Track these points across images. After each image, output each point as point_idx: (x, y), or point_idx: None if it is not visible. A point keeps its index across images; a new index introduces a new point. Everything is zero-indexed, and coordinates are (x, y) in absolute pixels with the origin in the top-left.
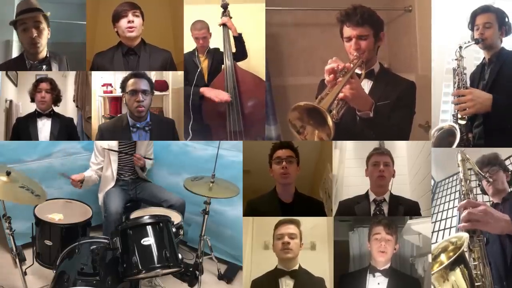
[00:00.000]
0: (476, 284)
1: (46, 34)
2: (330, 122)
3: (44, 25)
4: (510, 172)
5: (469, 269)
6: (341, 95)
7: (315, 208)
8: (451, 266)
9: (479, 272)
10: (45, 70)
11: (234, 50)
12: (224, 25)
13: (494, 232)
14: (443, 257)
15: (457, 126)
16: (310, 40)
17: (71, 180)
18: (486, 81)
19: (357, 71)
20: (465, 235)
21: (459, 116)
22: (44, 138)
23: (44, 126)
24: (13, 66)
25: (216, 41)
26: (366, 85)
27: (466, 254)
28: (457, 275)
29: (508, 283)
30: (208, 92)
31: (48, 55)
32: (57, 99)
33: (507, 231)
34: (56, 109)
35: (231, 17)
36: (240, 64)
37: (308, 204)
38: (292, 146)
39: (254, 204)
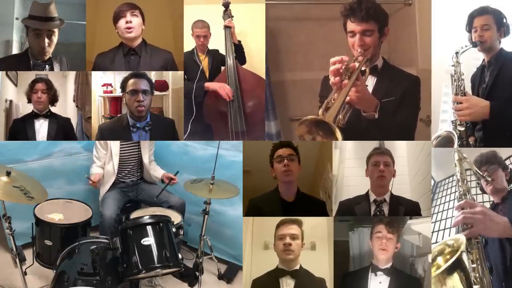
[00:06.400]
0: (474, 287)
1: (55, 42)
2: (339, 135)
3: (56, 34)
4: (509, 170)
5: (466, 273)
6: (347, 98)
7: (318, 208)
8: (449, 271)
9: (477, 274)
10: (48, 70)
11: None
12: (227, 27)
13: (492, 235)
14: (440, 260)
15: (455, 133)
16: (309, 35)
17: (91, 183)
18: (486, 83)
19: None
20: (462, 237)
21: (458, 122)
22: (41, 139)
23: (42, 127)
24: (16, 62)
25: (215, 42)
26: (370, 81)
27: (465, 256)
28: (454, 279)
29: (507, 284)
30: (212, 85)
31: (51, 55)
32: (53, 99)
33: (505, 235)
34: (56, 109)
35: (232, 16)
36: None
37: (311, 204)
38: (292, 145)
39: (256, 202)
